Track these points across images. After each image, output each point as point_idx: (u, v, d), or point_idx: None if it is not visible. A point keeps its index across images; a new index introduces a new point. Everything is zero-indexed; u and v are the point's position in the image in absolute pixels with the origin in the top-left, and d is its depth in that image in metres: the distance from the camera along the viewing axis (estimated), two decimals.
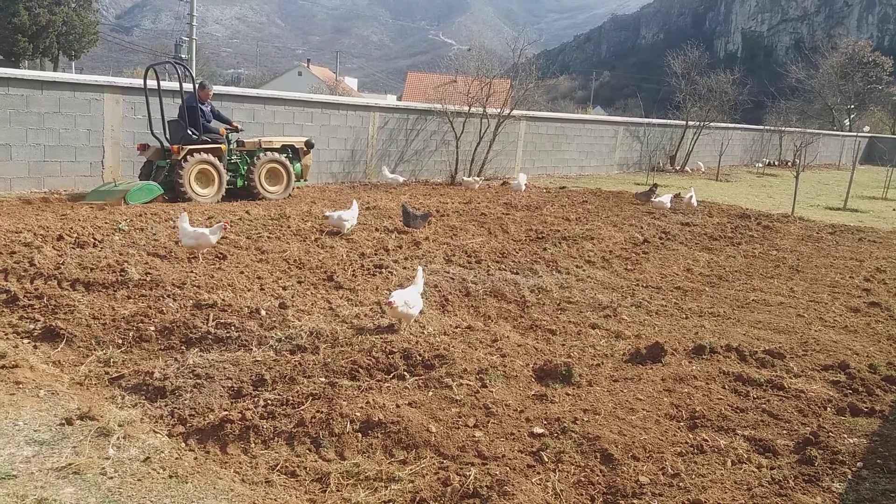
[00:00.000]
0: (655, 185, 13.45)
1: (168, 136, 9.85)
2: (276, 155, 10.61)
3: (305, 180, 11.56)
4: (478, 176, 14.67)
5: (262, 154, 10.49)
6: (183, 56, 39.66)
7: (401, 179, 13.56)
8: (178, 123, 9.74)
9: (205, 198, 9.67)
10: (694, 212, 11.53)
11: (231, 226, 7.85)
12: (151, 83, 10.13)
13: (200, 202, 9.49)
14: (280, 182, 10.70)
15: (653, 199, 11.88)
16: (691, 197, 11.88)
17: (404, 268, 6.55)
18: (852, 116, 41.82)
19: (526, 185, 13.46)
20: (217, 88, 12.15)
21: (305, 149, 11.23)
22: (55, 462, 2.91)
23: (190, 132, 9.61)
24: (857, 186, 16.81)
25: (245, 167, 10.44)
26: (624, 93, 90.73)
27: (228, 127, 10.32)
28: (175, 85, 10.33)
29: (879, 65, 42.64)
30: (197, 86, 10.03)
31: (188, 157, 9.48)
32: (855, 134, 33.82)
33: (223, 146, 9.99)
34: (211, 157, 9.71)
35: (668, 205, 11.36)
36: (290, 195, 10.81)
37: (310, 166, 11.60)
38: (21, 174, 9.70)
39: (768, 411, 3.88)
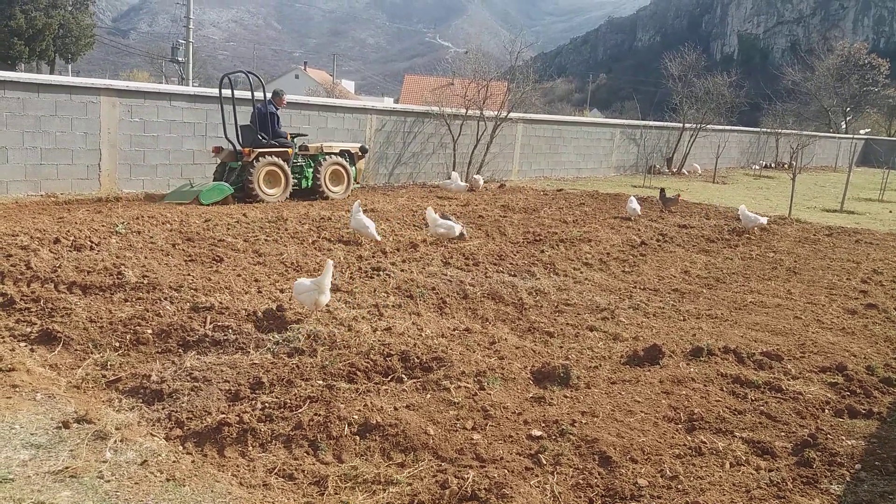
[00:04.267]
0: (663, 190, 12.95)
1: (240, 140, 10.46)
2: (339, 158, 11.49)
3: (359, 183, 12.34)
4: (477, 175, 14.61)
5: (326, 157, 11.31)
6: (180, 59, 39.67)
7: (463, 185, 13.37)
8: (250, 128, 10.45)
9: (272, 197, 10.39)
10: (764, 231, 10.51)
11: (228, 229, 7.85)
12: (226, 91, 10.69)
13: (268, 201, 10.21)
14: (342, 183, 11.60)
15: (629, 205, 11.23)
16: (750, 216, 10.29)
17: (402, 270, 6.54)
18: (848, 119, 41.91)
19: (459, 185, 13.13)
20: (214, 91, 12.17)
21: (360, 153, 12.09)
22: (52, 465, 2.90)
23: (260, 136, 10.30)
24: (853, 188, 16.85)
25: (309, 170, 11.20)
26: (621, 95, 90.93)
27: (294, 133, 11.16)
28: (236, 92, 11.02)
29: (875, 67, 42.71)
30: (272, 94, 10.84)
31: (258, 159, 10.17)
32: (851, 136, 33.95)
33: (290, 150, 10.66)
34: (279, 160, 10.44)
35: (639, 209, 10.84)
36: (349, 195, 11.55)
37: (363, 170, 12.44)
38: (17, 177, 9.67)
39: (766, 413, 3.88)
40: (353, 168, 11.85)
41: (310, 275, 6.22)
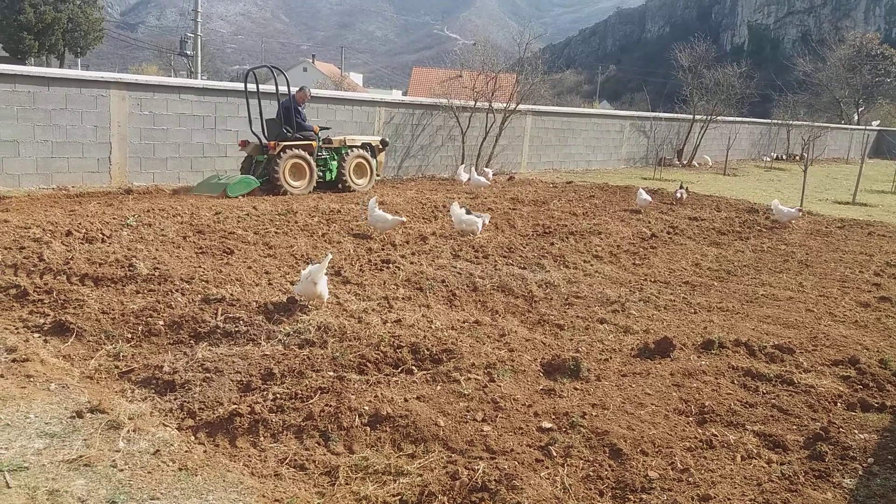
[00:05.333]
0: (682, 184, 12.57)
1: (266, 133, 10.68)
2: (362, 151, 11.66)
3: (379, 175, 12.43)
4: (486, 168, 14.53)
5: (350, 150, 11.48)
6: (188, 53, 39.72)
7: (486, 182, 12.81)
8: (275, 122, 10.68)
9: (297, 189, 10.56)
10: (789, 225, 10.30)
11: (238, 221, 7.86)
12: (251, 86, 10.91)
13: (294, 193, 10.40)
14: (365, 175, 11.78)
15: (639, 195, 10.98)
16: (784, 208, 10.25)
17: (411, 263, 6.54)
18: (860, 110, 41.45)
19: (478, 180, 12.59)
20: (223, 84, 12.24)
21: (381, 147, 12.23)
22: (66, 454, 2.93)
23: (285, 130, 10.51)
24: (865, 180, 16.70)
25: (333, 162, 11.36)
26: (630, 87, 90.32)
27: (321, 126, 11.29)
28: (262, 87, 11.22)
29: (888, 57, 42.17)
30: (297, 89, 10.96)
31: (283, 152, 10.35)
32: (863, 127, 33.59)
33: (314, 143, 10.87)
34: (303, 153, 10.61)
35: (650, 199, 10.76)
36: (371, 188, 11.79)
37: (383, 163, 12.57)
38: (29, 170, 9.74)
39: (778, 406, 3.87)
40: (374, 161, 12.00)
41: None
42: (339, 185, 11.43)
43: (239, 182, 10.00)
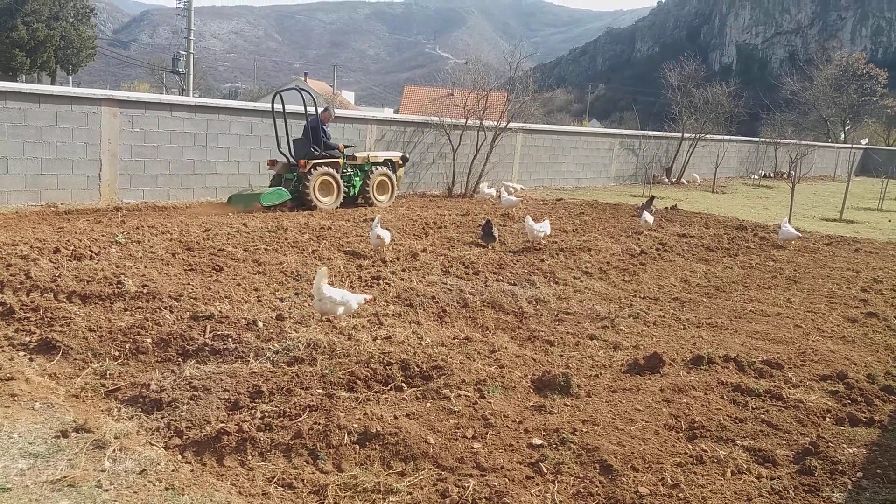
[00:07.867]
0: (652, 198, 12.89)
1: (293, 152, 11.05)
2: (385, 168, 12.14)
3: (398, 190, 12.86)
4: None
5: (374, 167, 11.96)
6: (180, 70, 39.85)
7: (516, 200, 12.16)
8: (303, 141, 11.11)
9: (326, 205, 11.02)
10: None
11: (228, 238, 7.84)
12: (278, 107, 11.35)
13: (324, 209, 10.81)
14: (387, 191, 12.27)
15: (643, 217, 10.71)
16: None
17: (402, 279, 6.54)
18: (847, 128, 41.99)
19: (497, 194, 12.62)
20: (215, 102, 12.27)
21: (401, 162, 12.67)
22: (50, 475, 2.89)
23: (313, 149, 10.93)
24: (852, 198, 16.88)
25: (357, 178, 11.79)
26: (620, 105, 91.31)
27: (346, 144, 11.82)
28: (290, 108, 11.67)
29: (874, 77, 42.81)
30: (322, 110, 11.49)
31: (313, 170, 10.80)
32: (850, 146, 34.01)
33: (340, 160, 11.33)
34: (331, 170, 11.09)
35: (652, 222, 10.51)
36: (392, 203, 12.20)
37: (402, 177, 13.04)
38: (18, 187, 9.69)
39: (767, 421, 3.87)
40: (394, 176, 12.37)
41: (308, 283, 6.22)
42: (361, 200, 11.80)
43: (272, 192, 10.46)
